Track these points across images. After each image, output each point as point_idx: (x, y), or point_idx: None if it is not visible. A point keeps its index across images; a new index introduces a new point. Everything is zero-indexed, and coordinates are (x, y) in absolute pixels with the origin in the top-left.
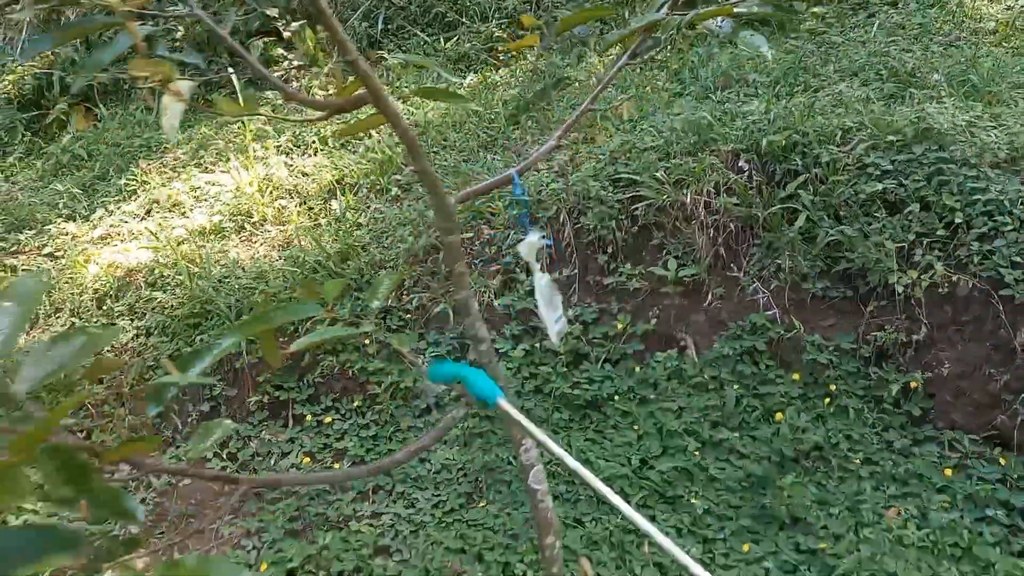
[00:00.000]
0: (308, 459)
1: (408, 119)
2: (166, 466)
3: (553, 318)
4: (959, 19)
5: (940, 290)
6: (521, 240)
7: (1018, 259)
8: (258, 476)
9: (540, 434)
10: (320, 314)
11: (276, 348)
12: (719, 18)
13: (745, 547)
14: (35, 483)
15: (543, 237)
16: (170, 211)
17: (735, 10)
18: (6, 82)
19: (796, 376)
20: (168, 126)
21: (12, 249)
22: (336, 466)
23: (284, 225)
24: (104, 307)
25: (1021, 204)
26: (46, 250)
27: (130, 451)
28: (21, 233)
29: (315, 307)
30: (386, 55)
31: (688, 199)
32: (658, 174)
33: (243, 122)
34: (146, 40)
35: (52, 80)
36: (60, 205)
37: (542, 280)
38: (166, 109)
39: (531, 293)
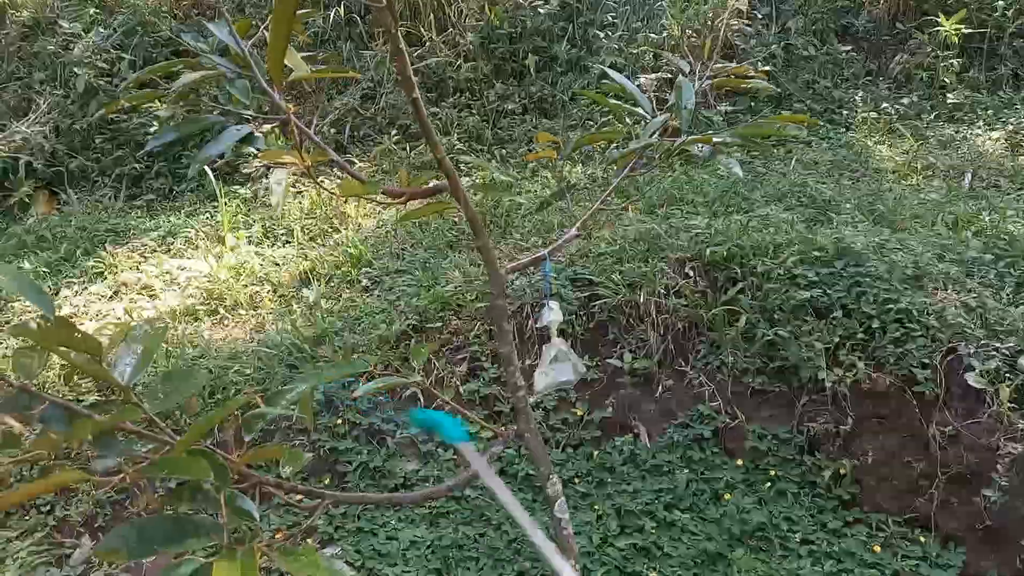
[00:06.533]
0: (280, 534)
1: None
2: (270, 479)
3: (561, 373)
4: (864, 158)
5: (863, 386)
6: (544, 306)
7: (926, 360)
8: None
9: (492, 477)
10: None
11: (309, 406)
12: (700, 144)
13: None
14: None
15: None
16: (139, 293)
17: (714, 139)
18: None
19: (740, 462)
20: (275, 201)
21: None
22: (308, 541)
23: (257, 310)
24: (71, 384)
25: (926, 314)
26: (9, 326)
27: (260, 455)
28: None
29: (364, 364)
30: (354, 159)
31: (641, 299)
32: (614, 276)
33: (211, 212)
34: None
35: (18, 164)
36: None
37: (560, 344)
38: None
39: (496, 380)
